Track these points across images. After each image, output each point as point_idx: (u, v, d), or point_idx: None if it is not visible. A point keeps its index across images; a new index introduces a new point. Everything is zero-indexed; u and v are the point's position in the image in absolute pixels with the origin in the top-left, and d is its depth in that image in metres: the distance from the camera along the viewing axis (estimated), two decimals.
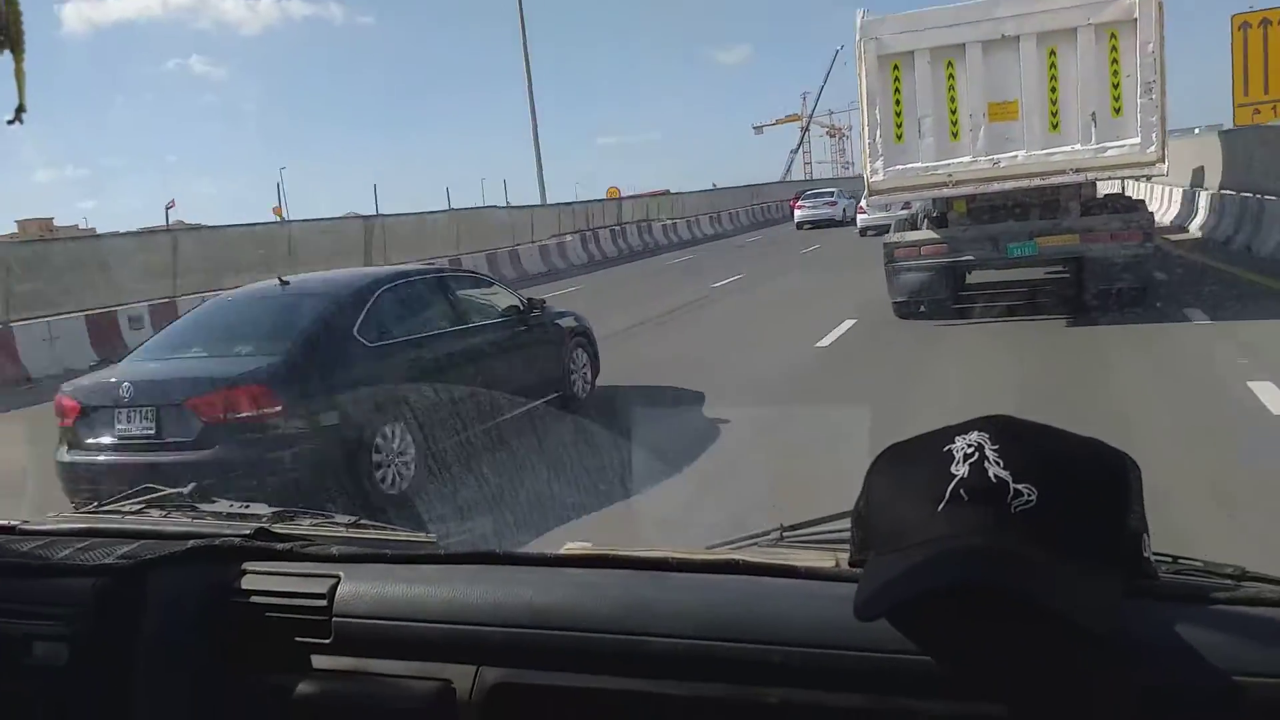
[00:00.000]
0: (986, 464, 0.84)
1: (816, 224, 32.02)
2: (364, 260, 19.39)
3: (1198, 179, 17.41)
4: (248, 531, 1.28)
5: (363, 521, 1.44)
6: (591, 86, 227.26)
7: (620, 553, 1.10)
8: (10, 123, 1.21)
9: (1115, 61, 9.04)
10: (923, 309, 10.39)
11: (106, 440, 5.13)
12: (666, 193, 41.27)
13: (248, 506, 1.49)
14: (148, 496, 1.53)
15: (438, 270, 8.19)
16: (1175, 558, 1.02)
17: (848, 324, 10.49)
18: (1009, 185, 9.55)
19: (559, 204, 31.03)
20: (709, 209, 38.08)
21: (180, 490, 1.55)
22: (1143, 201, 11.37)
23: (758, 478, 4.79)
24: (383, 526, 1.44)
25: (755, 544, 1.22)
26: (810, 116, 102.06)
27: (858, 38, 9.68)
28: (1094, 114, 9.13)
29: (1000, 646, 0.85)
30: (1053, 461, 0.85)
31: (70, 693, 1.13)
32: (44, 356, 12.69)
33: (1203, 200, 16.81)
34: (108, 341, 13.25)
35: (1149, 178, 9.73)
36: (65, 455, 5.26)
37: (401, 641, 1.08)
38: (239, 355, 5.42)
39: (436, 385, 5.76)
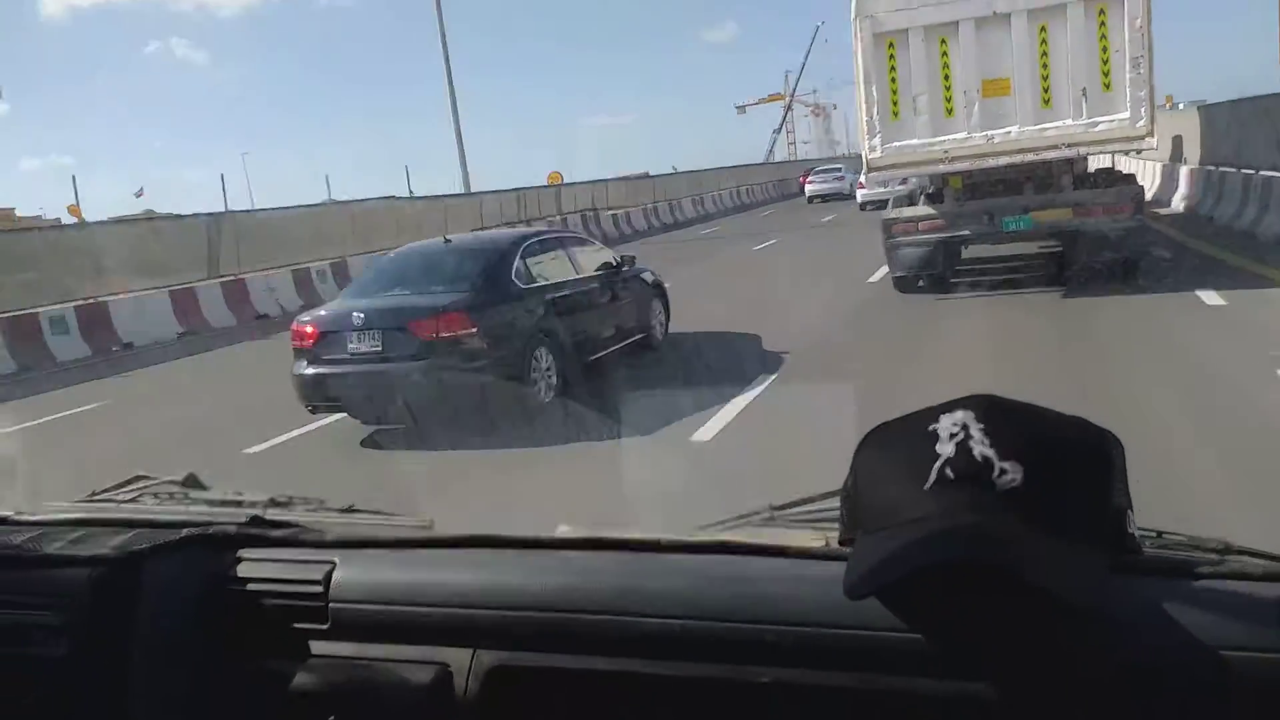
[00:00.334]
0: (972, 443, 0.85)
1: (825, 197, 34.37)
2: (207, 272, 17.26)
3: (1177, 154, 17.72)
4: (242, 519, 1.28)
5: (356, 507, 1.44)
6: (576, 67, 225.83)
7: (612, 535, 1.10)
8: None
9: (1104, 37, 9.15)
10: (921, 283, 10.63)
11: (341, 356, 6.65)
12: (646, 175, 40.44)
13: (241, 493, 1.49)
14: (141, 485, 1.52)
15: (557, 231, 10.21)
16: (1160, 533, 1.03)
17: (885, 269, 11.11)
18: (1003, 160, 9.67)
19: (486, 193, 28.33)
20: (669, 195, 35.25)
21: (173, 479, 1.55)
22: (1133, 175, 11.60)
23: (749, 455, 4.89)
24: (376, 511, 1.44)
25: (745, 524, 1.24)
26: (792, 95, 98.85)
27: (853, 16, 9.80)
28: (1084, 89, 9.26)
29: (988, 624, 0.86)
30: (1037, 440, 0.86)
31: (69, 684, 1.13)
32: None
33: (1183, 175, 17.12)
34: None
35: (1139, 151, 9.94)
36: (305, 369, 6.78)
37: (398, 626, 1.09)
38: (435, 292, 6.92)
39: (564, 321, 7.36)
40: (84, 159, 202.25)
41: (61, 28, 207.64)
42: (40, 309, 13.77)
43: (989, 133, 9.60)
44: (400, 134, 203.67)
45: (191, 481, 1.54)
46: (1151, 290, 9.15)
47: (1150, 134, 9.23)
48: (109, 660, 1.12)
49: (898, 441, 0.91)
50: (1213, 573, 0.88)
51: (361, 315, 6.66)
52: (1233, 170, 13.97)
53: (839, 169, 36.78)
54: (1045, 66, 9.38)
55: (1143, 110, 9.17)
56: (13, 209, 47.78)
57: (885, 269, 11.02)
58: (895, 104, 9.84)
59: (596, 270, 8.31)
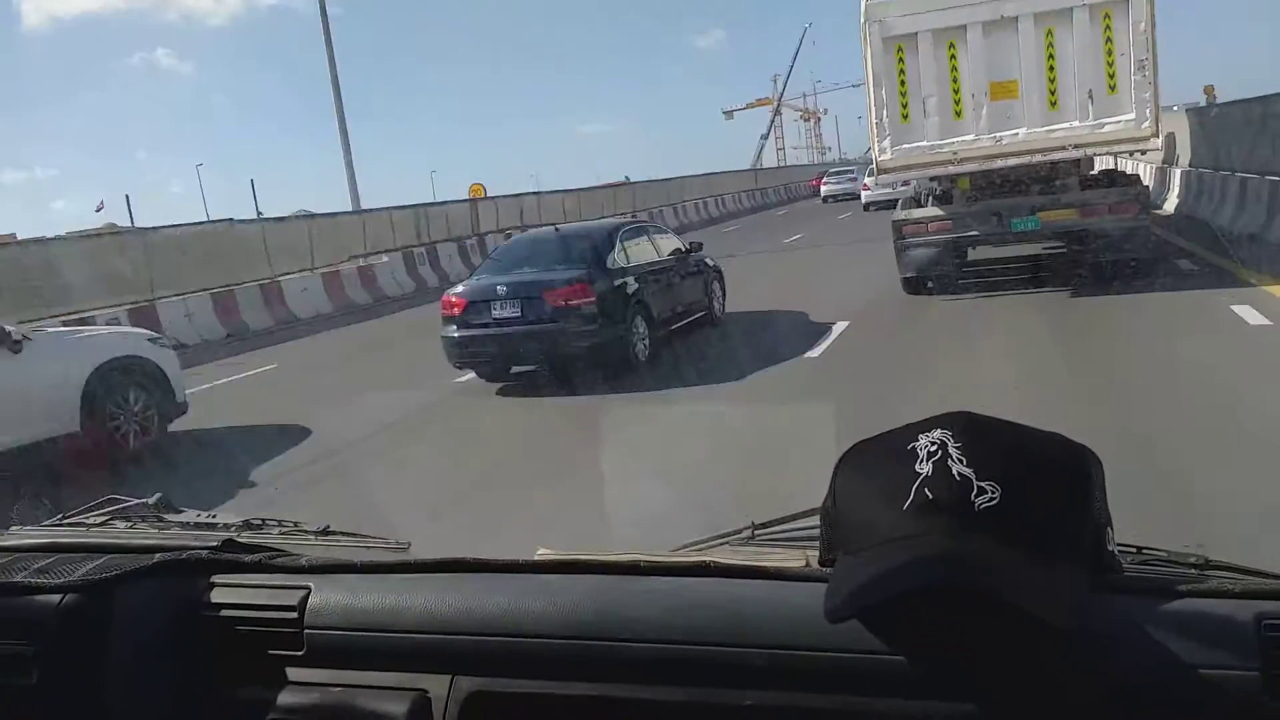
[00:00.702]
0: (950, 462, 0.85)
1: (838, 197, 36.80)
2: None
3: (1170, 156, 17.98)
4: (215, 543, 1.26)
5: (331, 530, 1.42)
6: (565, 74, 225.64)
7: (591, 557, 1.09)
8: None
9: (1109, 40, 9.35)
10: (930, 284, 10.78)
11: (486, 320, 8.35)
12: (627, 181, 38.03)
13: (214, 516, 1.46)
14: (111, 508, 1.48)
15: (640, 222, 11.66)
16: (1140, 548, 1.02)
17: None
18: (1011, 162, 9.84)
19: (375, 210, 22.97)
20: (649, 203, 32.57)
21: (144, 500, 1.51)
22: (1138, 176, 11.81)
23: (729, 474, 4.80)
24: (353, 534, 1.42)
25: (726, 543, 1.23)
26: (780, 99, 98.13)
27: (862, 20, 9.96)
28: (1091, 91, 9.45)
29: (969, 644, 0.85)
30: (1015, 458, 0.86)
31: (38, 714, 1.10)
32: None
33: (1175, 177, 17.37)
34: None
35: (1143, 152, 10.14)
36: (454, 332, 8.49)
37: (375, 652, 1.07)
38: (558, 269, 8.55)
39: (651, 295, 9.02)
40: (67, 171, 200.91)
41: (44, 38, 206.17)
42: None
43: (997, 134, 9.77)
44: (386, 142, 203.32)
45: (164, 504, 1.51)
46: (1187, 316, 8.29)
47: (1156, 135, 9.43)
48: (79, 690, 1.10)
49: (876, 461, 0.90)
50: (1192, 590, 0.87)
51: (504, 288, 8.40)
52: (1213, 172, 14.25)
53: (852, 171, 38.86)
54: (1052, 69, 9.57)
55: (1148, 112, 9.36)
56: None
57: None
58: (905, 107, 10.00)
59: (670, 254, 9.93)
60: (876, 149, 10.19)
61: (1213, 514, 3.78)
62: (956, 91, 9.86)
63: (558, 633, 1.00)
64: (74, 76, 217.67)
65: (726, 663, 0.94)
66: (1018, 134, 9.73)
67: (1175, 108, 25.25)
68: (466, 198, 27.83)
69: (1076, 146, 9.68)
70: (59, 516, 1.47)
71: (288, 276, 17.67)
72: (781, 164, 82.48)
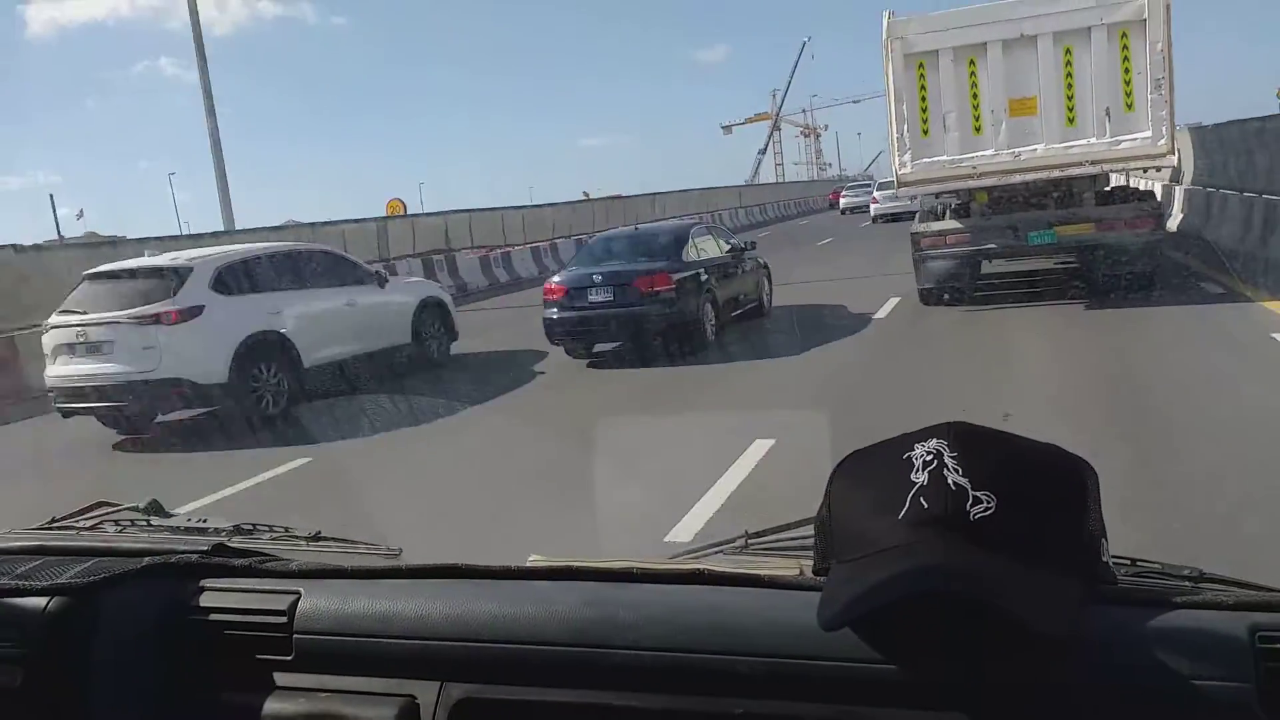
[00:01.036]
0: (946, 471, 0.84)
1: (855, 209, 39.00)
2: None
3: (1175, 174, 18.26)
4: (205, 547, 1.25)
5: (322, 535, 1.41)
6: (570, 89, 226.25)
7: (584, 564, 1.09)
8: None
9: (1127, 59, 9.54)
10: (946, 296, 10.98)
11: (583, 304, 9.82)
12: (618, 197, 35.82)
13: (204, 520, 1.45)
14: (102, 512, 1.47)
15: (707, 224, 13.07)
16: (1134, 560, 1.02)
17: None
18: (1029, 177, 10.03)
19: (250, 230, 18.13)
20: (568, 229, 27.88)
21: (135, 505, 1.50)
22: (1152, 192, 12.04)
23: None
24: (343, 540, 1.41)
25: (719, 552, 1.23)
26: (778, 113, 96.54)
27: (884, 38, 10.17)
28: (1108, 109, 9.64)
29: (963, 654, 0.85)
30: (1011, 468, 0.86)
31: (24, 717, 1.10)
32: None
33: (1179, 195, 17.65)
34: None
35: (1158, 169, 10.37)
36: (554, 314, 9.89)
37: (364, 658, 1.06)
38: (642, 261, 10.15)
39: (717, 285, 10.50)
40: (70, 178, 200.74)
41: (48, 46, 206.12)
42: None
43: (1016, 150, 9.96)
44: (387, 153, 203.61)
45: (154, 508, 1.49)
46: (1221, 344, 7.92)
47: (1171, 152, 9.64)
48: (65, 693, 1.09)
49: (871, 470, 0.90)
50: (1185, 602, 0.87)
51: (599, 276, 9.97)
52: (1222, 191, 14.52)
53: (869, 185, 40.92)
54: (1070, 87, 9.77)
55: (1163, 129, 9.55)
56: None
57: None
58: (925, 122, 10.20)
59: (729, 252, 11.31)
60: (897, 163, 10.38)
61: None
62: (976, 108, 10.05)
63: (548, 639, 0.99)
64: (78, 84, 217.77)
65: (719, 671, 0.93)
66: (1036, 150, 9.92)
67: (1180, 127, 25.53)
68: (373, 216, 22.98)
69: (1093, 162, 9.87)
70: (49, 519, 1.45)
71: None
72: (781, 180, 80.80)
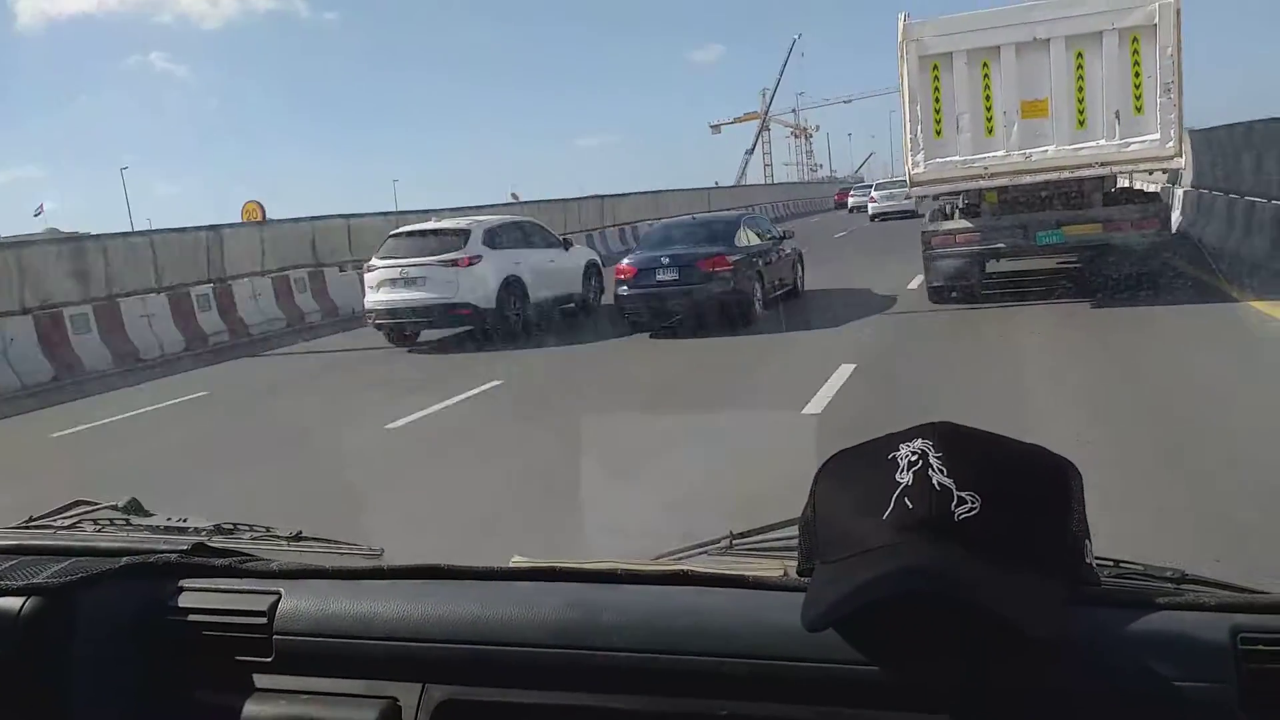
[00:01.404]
0: (930, 472, 0.84)
1: (861, 208, 40.12)
2: None
3: (1174, 176, 18.60)
4: (185, 547, 1.23)
5: (304, 535, 1.39)
6: (565, 88, 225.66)
7: (567, 565, 1.08)
8: None
9: (1137, 63, 9.72)
10: (954, 294, 11.21)
11: (652, 283, 11.35)
12: (516, 200, 30.53)
13: (185, 520, 1.42)
14: (80, 511, 1.45)
15: (754, 215, 14.81)
16: (1117, 562, 1.02)
17: None
18: (1040, 178, 10.21)
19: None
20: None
21: (114, 504, 1.47)
22: (1158, 193, 12.30)
23: (707, 482, 4.88)
24: (325, 540, 1.40)
25: (704, 553, 1.22)
26: (767, 112, 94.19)
27: (899, 40, 10.34)
28: (1118, 112, 9.80)
29: (946, 655, 0.85)
30: (995, 469, 0.86)
31: (0, 718, 1.08)
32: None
33: (1178, 196, 17.98)
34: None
35: (1165, 170, 10.63)
36: (626, 291, 11.48)
37: (345, 659, 1.05)
38: (701, 245, 11.73)
39: (763, 267, 12.08)
40: (56, 171, 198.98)
41: (37, 39, 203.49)
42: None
43: (1027, 151, 10.14)
44: (380, 149, 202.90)
45: (134, 507, 1.47)
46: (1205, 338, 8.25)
47: (1179, 154, 9.85)
48: (42, 694, 1.08)
49: (856, 470, 0.90)
50: (1168, 603, 0.87)
51: (666, 258, 11.48)
52: (1211, 192, 14.87)
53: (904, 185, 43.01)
54: (1081, 90, 9.96)
55: (1172, 132, 9.75)
56: None
57: None
58: (938, 123, 10.38)
59: (770, 239, 12.97)
60: (910, 162, 10.56)
61: None
62: (989, 109, 10.23)
63: (531, 641, 0.99)
64: (68, 77, 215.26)
65: (703, 672, 0.93)
66: (1047, 151, 10.10)
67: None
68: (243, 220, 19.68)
69: (1103, 164, 10.06)
70: (26, 518, 1.43)
71: None
72: (769, 181, 78.91)
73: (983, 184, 10.50)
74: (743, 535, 1.23)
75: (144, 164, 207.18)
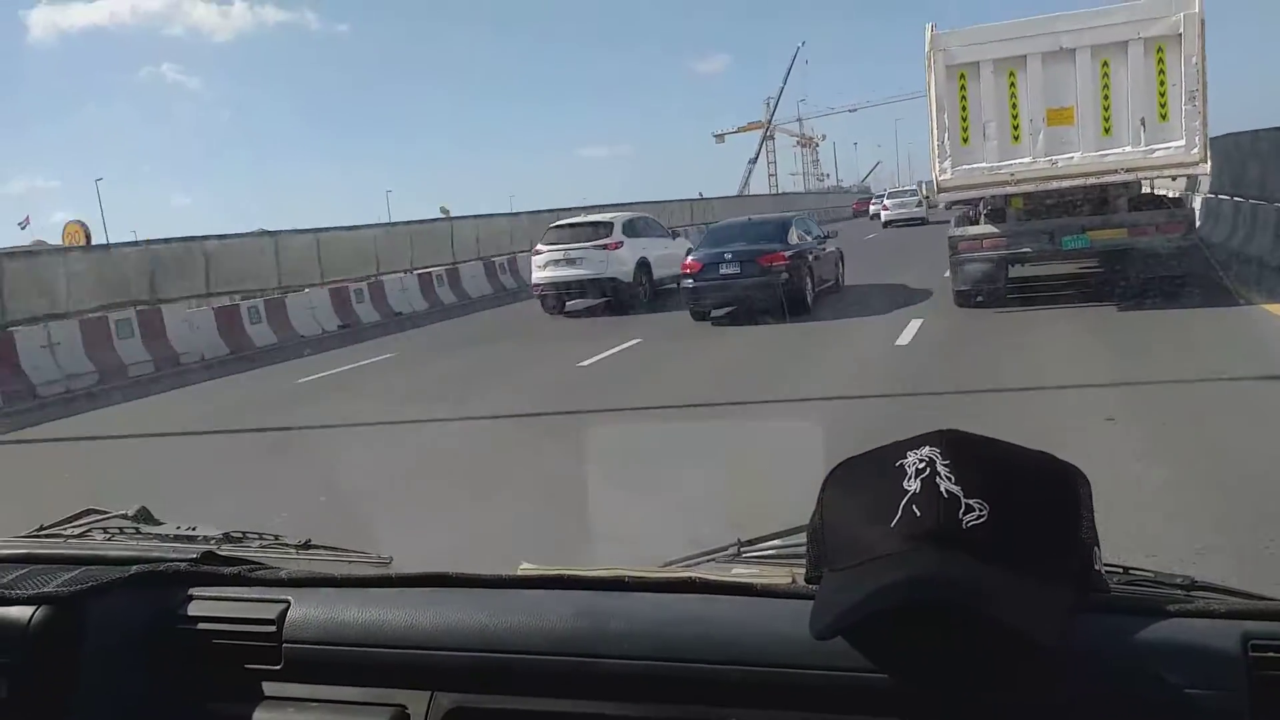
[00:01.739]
0: (938, 479, 0.84)
1: (877, 214, 43.00)
2: None
3: (1191, 182, 18.81)
4: (194, 555, 1.23)
5: (313, 543, 1.40)
6: (569, 99, 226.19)
7: (575, 573, 1.07)
8: None
9: (1162, 72, 9.87)
10: (979, 298, 11.39)
11: (715, 276, 12.85)
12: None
13: (194, 529, 1.43)
14: (90, 520, 1.45)
15: (801, 217, 15.92)
16: (1126, 568, 1.02)
17: None
18: (1066, 184, 10.36)
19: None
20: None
21: (124, 512, 1.48)
22: (1182, 199, 12.51)
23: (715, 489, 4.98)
24: (334, 548, 1.40)
25: (712, 560, 1.22)
26: (770, 121, 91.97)
27: (927, 50, 10.53)
28: (1143, 119, 9.95)
29: (955, 663, 0.85)
30: (1003, 476, 0.86)
31: None
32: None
33: (1196, 203, 18.17)
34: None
35: (1190, 176, 10.83)
36: (691, 284, 12.98)
37: (354, 667, 1.06)
38: (759, 242, 13.21)
39: (813, 263, 13.62)
40: (69, 183, 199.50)
41: (50, 51, 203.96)
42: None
43: (1053, 157, 10.29)
44: (384, 161, 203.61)
45: (143, 516, 1.47)
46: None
47: (1205, 160, 10.03)
48: (51, 704, 1.08)
49: (864, 478, 0.90)
50: (1178, 610, 0.87)
51: (730, 254, 12.93)
52: (1219, 197, 15.10)
53: (900, 192, 44.48)
54: (1107, 98, 10.13)
55: (1197, 139, 9.89)
56: None
57: None
58: (965, 130, 10.56)
59: (815, 238, 14.40)
60: (937, 169, 10.74)
61: None
62: (1015, 117, 10.40)
63: (539, 649, 0.99)
64: (80, 90, 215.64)
65: (711, 680, 0.93)
66: (1072, 158, 10.25)
67: None
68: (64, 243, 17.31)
69: (1128, 170, 10.21)
70: (37, 527, 1.43)
71: None
72: (775, 191, 75.68)
73: (1009, 190, 10.67)
74: (750, 542, 1.23)
75: (158, 175, 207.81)
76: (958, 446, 0.87)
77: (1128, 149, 10.16)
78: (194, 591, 1.16)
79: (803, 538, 0.98)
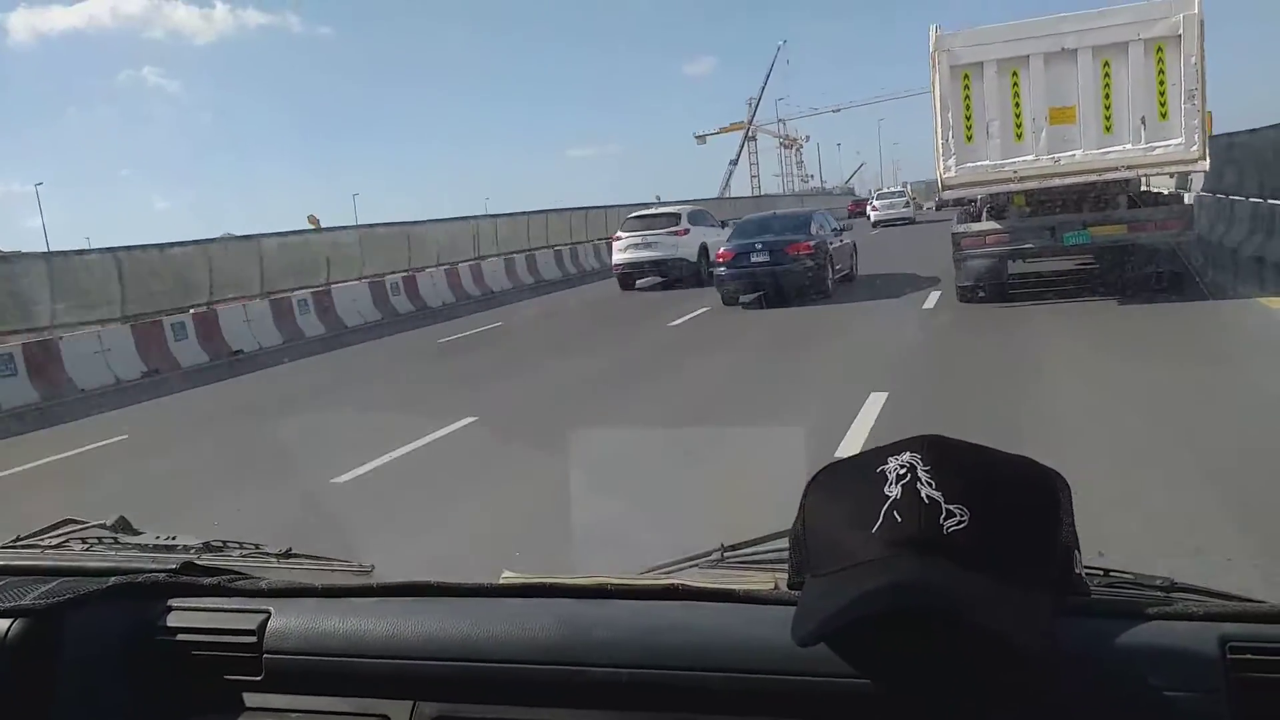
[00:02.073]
0: (919, 485, 0.84)
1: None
2: None
3: (1183, 181, 19.18)
4: (173, 566, 1.21)
5: (294, 552, 1.39)
6: (557, 97, 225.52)
7: (558, 581, 1.07)
8: None
9: (1162, 71, 10.06)
10: (981, 294, 11.62)
11: (746, 264, 14.33)
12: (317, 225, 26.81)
13: (174, 538, 1.41)
14: (68, 530, 1.43)
15: (820, 212, 17.27)
16: (1106, 571, 1.02)
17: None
18: (1068, 181, 10.57)
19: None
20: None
21: (103, 522, 1.46)
22: (1180, 195, 12.81)
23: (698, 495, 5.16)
24: (315, 556, 1.39)
25: (695, 565, 1.22)
26: (751, 121, 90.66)
27: (931, 50, 10.71)
28: (1143, 118, 10.15)
29: (937, 668, 0.85)
30: (983, 481, 0.86)
31: None
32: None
33: (1188, 201, 18.51)
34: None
35: (1187, 174, 11.10)
36: (724, 271, 14.48)
37: (335, 677, 1.05)
38: (788, 232, 14.72)
39: (833, 252, 15.05)
40: (48, 186, 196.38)
41: (29, 54, 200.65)
42: None
43: (1055, 155, 10.48)
44: (379, 159, 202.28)
45: (122, 525, 1.46)
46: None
47: (1203, 158, 10.26)
48: (29, 717, 1.06)
49: (846, 483, 0.90)
50: (1158, 613, 0.88)
51: (760, 244, 14.44)
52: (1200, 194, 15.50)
53: (892, 194, 45.32)
54: (1108, 97, 10.33)
55: (1196, 137, 10.08)
56: None
57: None
58: (969, 129, 10.75)
59: (833, 230, 15.83)
60: (941, 167, 10.94)
61: None
62: (1018, 116, 10.59)
63: (522, 657, 0.98)
64: (61, 93, 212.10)
65: (694, 687, 0.93)
66: (1074, 155, 10.45)
67: None
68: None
69: (1129, 168, 10.42)
70: (14, 538, 1.41)
71: None
72: (757, 193, 74.76)
73: (1013, 187, 10.90)
74: (734, 547, 1.24)
75: (139, 179, 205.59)
76: (938, 452, 0.87)
77: (1128, 147, 10.36)
78: (173, 602, 1.15)
79: (785, 543, 0.98)
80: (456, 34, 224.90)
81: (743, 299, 14.40)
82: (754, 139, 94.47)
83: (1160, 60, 10.19)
